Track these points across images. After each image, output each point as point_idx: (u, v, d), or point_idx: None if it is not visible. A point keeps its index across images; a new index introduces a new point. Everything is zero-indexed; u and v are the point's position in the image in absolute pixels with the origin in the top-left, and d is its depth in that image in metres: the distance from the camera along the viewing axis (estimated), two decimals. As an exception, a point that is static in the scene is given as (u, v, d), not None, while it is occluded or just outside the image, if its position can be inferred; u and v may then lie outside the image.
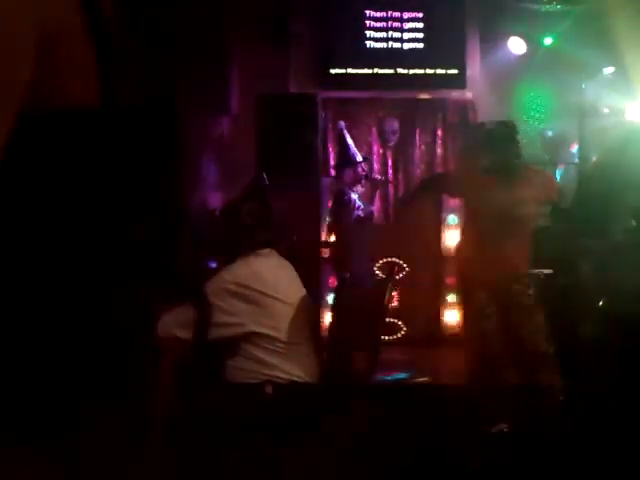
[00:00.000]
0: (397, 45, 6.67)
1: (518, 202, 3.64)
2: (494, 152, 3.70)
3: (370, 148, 6.83)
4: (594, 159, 5.56)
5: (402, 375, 4.89)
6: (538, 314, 3.71)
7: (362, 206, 5.95)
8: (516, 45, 6.66)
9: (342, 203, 5.88)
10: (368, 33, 6.66)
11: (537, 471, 3.11)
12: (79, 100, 0.95)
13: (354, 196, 5.91)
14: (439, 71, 6.64)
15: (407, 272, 6.18)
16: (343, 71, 6.63)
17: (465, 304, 3.96)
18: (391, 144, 6.78)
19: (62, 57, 0.92)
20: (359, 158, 5.97)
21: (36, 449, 0.91)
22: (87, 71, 0.96)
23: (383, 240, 6.23)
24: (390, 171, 6.82)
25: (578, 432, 3.28)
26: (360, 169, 5.93)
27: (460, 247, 4.07)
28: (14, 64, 0.86)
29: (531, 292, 3.79)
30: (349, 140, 6.07)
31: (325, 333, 3.20)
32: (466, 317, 4.06)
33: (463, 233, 4.18)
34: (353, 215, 5.87)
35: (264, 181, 4.70)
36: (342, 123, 6.25)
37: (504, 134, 3.74)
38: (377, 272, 6.06)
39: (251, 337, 2.59)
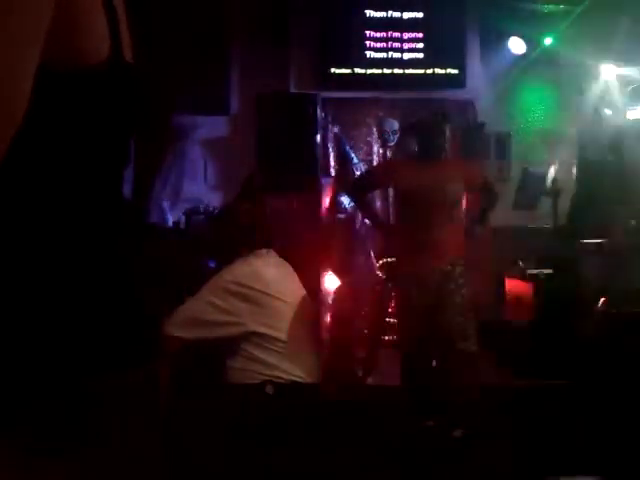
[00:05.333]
0: (397, 44, 6.68)
1: (439, 186, 3.75)
2: (421, 139, 3.93)
3: (370, 148, 6.83)
4: (593, 159, 5.56)
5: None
6: (468, 314, 3.71)
7: (348, 209, 5.91)
8: (516, 45, 6.66)
9: (332, 205, 5.88)
10: (368, 32, 6.66)
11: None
12: (91, 58, 0.93)
13: (345, 199, 5.88)
14: (439, 71, 6.64)
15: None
16: (343, 71, 6.63)
17: (397, 302, 3.99)
18: (391, 144, 6.78)
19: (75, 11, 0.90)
20: (355, 161, 5.97)
21: (35, 451, 0.91)
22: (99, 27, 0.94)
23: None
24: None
25: (578, 431, 3.28)
26: (352, 172, 5.92)
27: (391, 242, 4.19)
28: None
29: (464, 291, 3.74)
30: (346, 146, 6.07)
31: (325, 333, 3.20)
32: (397, 316, 4.11)
33: (394, 227, 4.23)
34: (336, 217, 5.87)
35: (257, 181, 4.71)
36: (336, 128, 6.24)
37: (431, 123, 3.96)
38: (377, 272, 6.06)
39: (251, 337, 2.59)
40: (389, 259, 6.06)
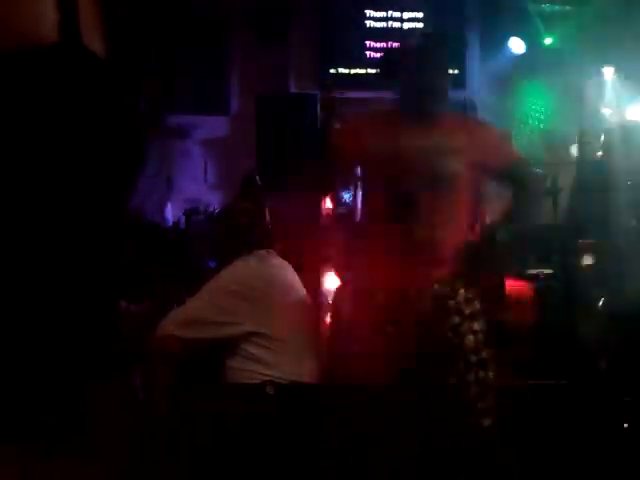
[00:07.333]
0: (397, 44, 6.68)
1: (440, 153, 2.34)
2: (411, 76, 2.45)
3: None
4: (592, 158, 5.56)
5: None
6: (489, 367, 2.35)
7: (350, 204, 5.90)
8: (516, 45, 6.67)
9: (334, 202, 5.87)
10: (368, 33, 6.67)
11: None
12: (34, 34, 0.88)
13: (346, 195, 5.88)
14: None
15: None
16: (343, 71, 6.64)
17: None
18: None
19: None
20: None
21: (34, 449, 0.92)
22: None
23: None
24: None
25: (578, 431, 3.28)
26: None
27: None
28: None
29: (478, 327, 2.34)
30: None
31: (325, 333, 3.20)
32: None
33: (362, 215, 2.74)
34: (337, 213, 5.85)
35: (256, 181, 4.71)
36: (338, 125, 6.24)
37: (428, 52, 2.45)
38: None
39: (251, 337, 2.59)
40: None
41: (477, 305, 2.38)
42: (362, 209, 2.66)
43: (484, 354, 2.34)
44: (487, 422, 2.31)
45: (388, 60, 2.67)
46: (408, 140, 2.34)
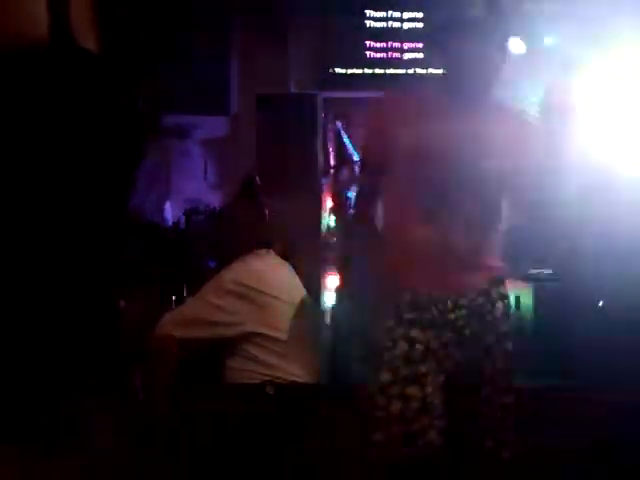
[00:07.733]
0: (397, 45, 6.68)
1: (481, 149, 2.06)
2: (461, 54, 2.13)
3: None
4: (593, 158, 5.55)
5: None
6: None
7: None
8: (516, 45, 6.66)
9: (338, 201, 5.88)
10: (368, 33, 6.67)
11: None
12: (27, 32, 0.87)
13: (350, 195, 5.90)
14: (439, 71, 6.64)
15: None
16: (343, 71, 6.64)
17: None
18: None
19: None
20: (356, 157, 5.96)
21: (35, 449, 0.91)
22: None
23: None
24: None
25: (577, 431, 3.28)
26: (352, 169, 5.92)
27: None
28: None
29: (510, 348, 2.15)
30: (346, 140, 6.07)
31: (325, 333, 3.21)
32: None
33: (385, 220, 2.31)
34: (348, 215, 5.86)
35: (256, 181, 4.72)
36: (339, 123, 6.26)
37: (483, 26, 2.10)
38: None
39: (251, 337, 2.59)
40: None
41: (510, 322, 2.18)
42: (386, 206, 2.27)
43: (511, 378, 2.15)
44: (506, 454, 2.13)
45: (435, 33, 2.31)
46: (447, 129, 2.05)
